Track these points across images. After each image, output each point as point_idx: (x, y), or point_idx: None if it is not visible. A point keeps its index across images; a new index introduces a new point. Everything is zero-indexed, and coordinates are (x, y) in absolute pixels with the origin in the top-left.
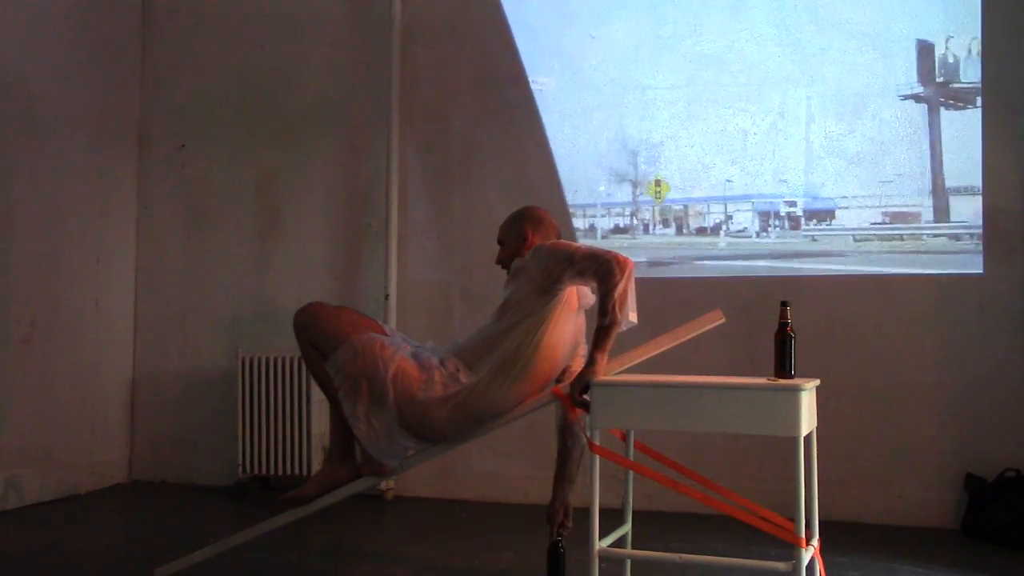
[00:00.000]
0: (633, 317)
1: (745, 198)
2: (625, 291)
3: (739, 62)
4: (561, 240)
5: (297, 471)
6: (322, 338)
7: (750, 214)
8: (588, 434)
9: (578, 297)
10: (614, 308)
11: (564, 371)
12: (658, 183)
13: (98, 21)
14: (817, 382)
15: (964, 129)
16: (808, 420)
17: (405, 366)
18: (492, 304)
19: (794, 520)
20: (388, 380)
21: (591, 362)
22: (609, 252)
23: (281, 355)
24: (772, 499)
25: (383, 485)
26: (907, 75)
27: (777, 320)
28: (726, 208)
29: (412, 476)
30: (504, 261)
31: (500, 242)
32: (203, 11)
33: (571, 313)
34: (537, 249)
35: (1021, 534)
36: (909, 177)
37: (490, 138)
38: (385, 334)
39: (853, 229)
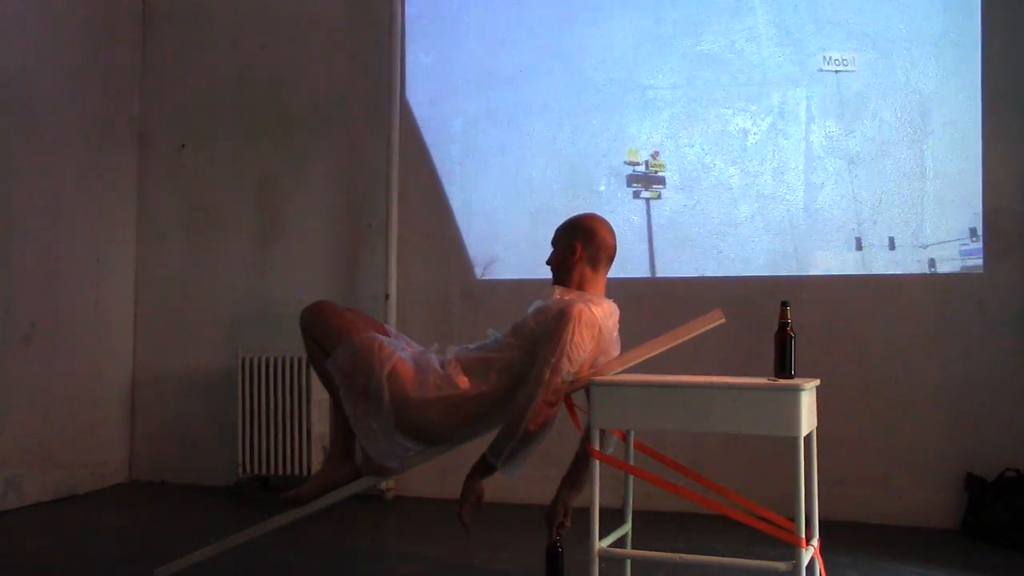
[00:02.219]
0: (511, 472)
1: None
2: (517, 452)
3: (739, 62)
4: (567, 332)
5: (297, 471)
6: (325, 336)
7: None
8: (587, 438)
9: (602, 349)
10: (500, 455)
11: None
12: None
13: (98, 21)
14: (817, 382)
15: (964, 129)
16: (808, 420)
17: (400, 366)
18: (492, 304)
19: (794, 520)
20: (383, 379)
21: (468, 483)
22: (541, 401)
23: (281, 355)
24: (772, 499)
25: (383, 485)
26: (907, 75)
27: (777, 320)
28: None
29: (412, 476)
30: (552, 266)
31: (553, 244)
32: (203, 11)
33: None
34: (561, 314)
35: (1021, 534)
36: (909, 177)
37: (490, 138)
38: (388, 336)
39: (853, 229)
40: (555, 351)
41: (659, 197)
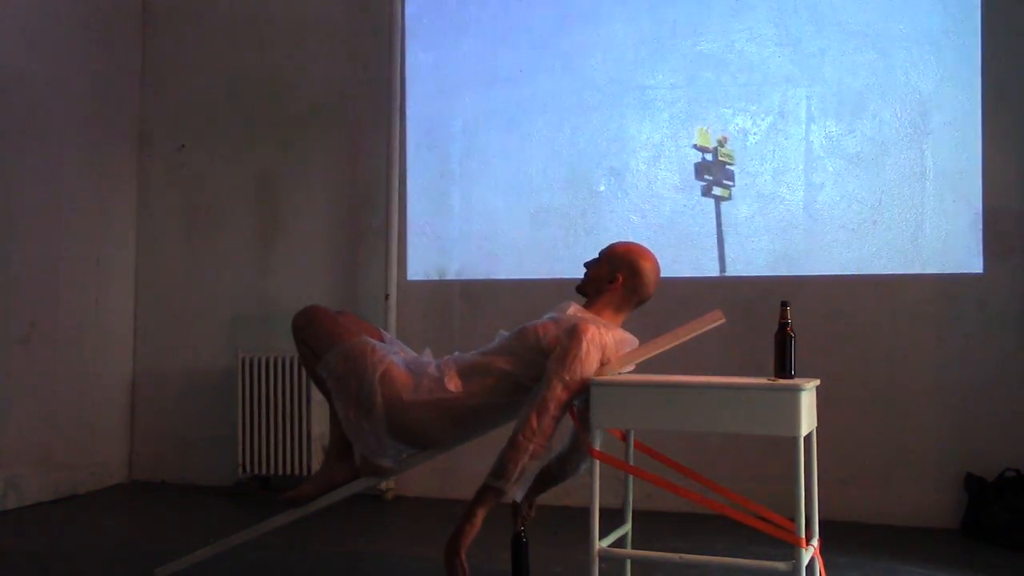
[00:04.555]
0: (518, 495)
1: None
2: (525, 471)
3: (739, 62)
4: (580, 349)
5: (297, 471)
6: (316, 340)
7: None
8: (588, 438)
9: (609, 355)
10: (509, 478)
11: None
12: (721, 142)
13: (98, 21)
14: (817, 382)
15: (964, 129)
16: (808, 420)
17: (393, 370)
18: (492, 304)
19: (794, 520)
20: (375, 383)
21: (469, 518)
22: (551, 423)
23: (281, 355)
24: (772, 499)
25: (383, 485)
26: (907, 75)
27: (777, 320)
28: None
29: (412, 476)
30: (586, 274)
31: (599, 255)
32: (203, 11)
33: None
34: (573, 330)
35: (1021, 534)
36: (909, 177)
37: (490, 138)
38: (382, 340)
39: (853, 229)
40: (566, 367)
41: (730, 197)
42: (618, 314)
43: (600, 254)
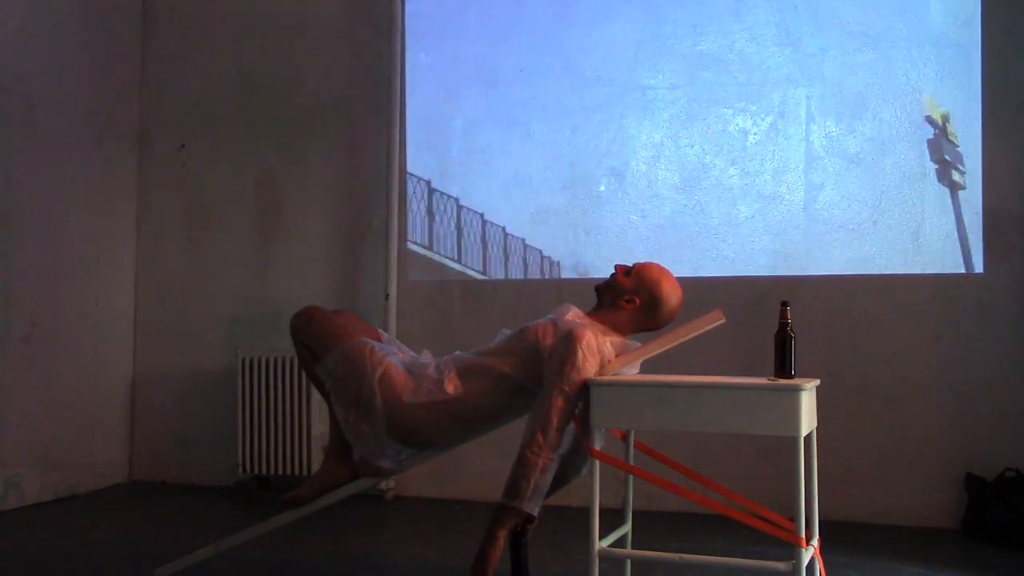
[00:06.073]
0: (534, 511)
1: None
2: (538, 486)
3: (739, 62)
4: (576, 357)
5: (297, 471)
6: (315, 341)
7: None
8: (588, 439)
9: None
10: (522, 495)
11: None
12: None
13: (98, 21)
14: (817, 382)
15: (964, 129)
16: (808, 420)
17: (392, 371)
18: (492, 304)
19: (794, 520)
20: (375, 384)
21: (491, 540)
22: (556, 434)
23: (281, 355)
24: (772, 499)
25: (383, 485)
26: (907, 75)
27: (777, 320)
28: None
29: (412, 476)
30: (611, 279)
31: (630, 267)
32: (203, 11)
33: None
34: (569, 337)
35: (1021, 534)
36: (909, 177)
37: (490, 138)
38: (381, 341)
39: (853, 229)
40: (563, 376)
41: (964, 186)
42: (619, 330)
43: (633, 266)
